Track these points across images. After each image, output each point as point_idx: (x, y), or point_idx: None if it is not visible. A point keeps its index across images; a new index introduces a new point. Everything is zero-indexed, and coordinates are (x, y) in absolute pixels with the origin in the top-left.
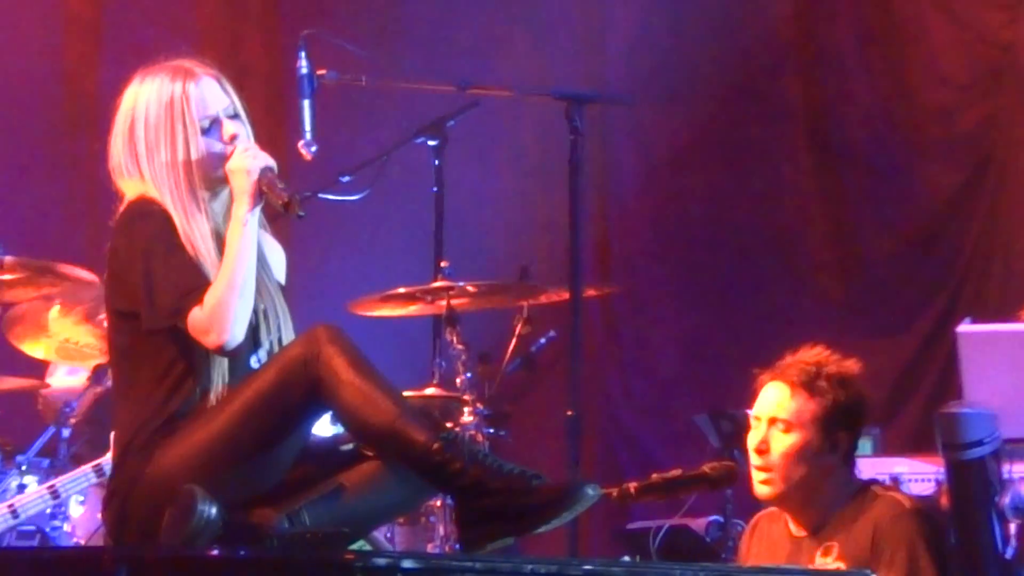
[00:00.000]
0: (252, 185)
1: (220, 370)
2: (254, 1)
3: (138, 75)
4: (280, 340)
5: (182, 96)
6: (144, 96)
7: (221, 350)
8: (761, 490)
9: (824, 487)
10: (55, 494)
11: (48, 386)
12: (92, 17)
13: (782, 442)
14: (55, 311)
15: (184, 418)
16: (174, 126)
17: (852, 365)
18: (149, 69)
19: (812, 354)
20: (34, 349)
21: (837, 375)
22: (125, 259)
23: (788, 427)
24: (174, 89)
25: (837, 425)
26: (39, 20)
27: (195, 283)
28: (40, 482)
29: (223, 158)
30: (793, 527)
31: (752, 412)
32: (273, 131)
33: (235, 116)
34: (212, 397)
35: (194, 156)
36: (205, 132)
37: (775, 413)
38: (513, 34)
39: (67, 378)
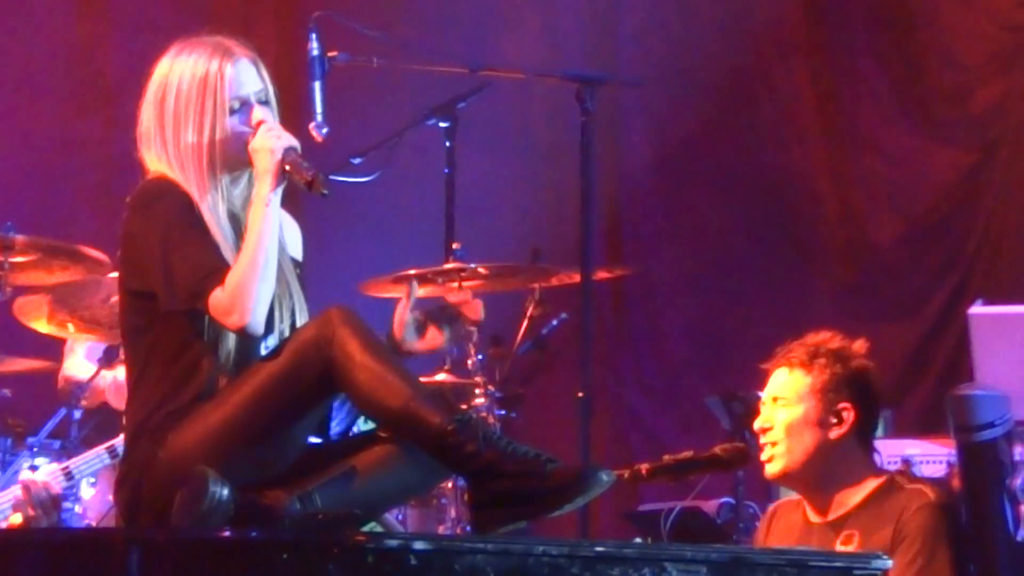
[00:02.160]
0: (275, 164)
1: (231, 353)
2: None
3: (176, 45)
4: (293, 325)
5: (217, 74)
6: (179, 68)
7: (243, 331)
8: (768, 469)
9: (834, 466)
10: (69, 475)
11: (64, 369)
12: None
13: (782, 415)
14: (63, 291)
15: (197, 400)
16: (204, 103)
17: (856, 344)
18: (188, 41)
19: (814, 336)
20: (42, 326)
21: (837, 350)
22: (141, 239)
23: (787, 402)
24: (210, 66)
25: (838, 396)
26: (51, 1)
27: (215, 264)
28: (52, 463)
29: (246, 142)
30: (811, 513)
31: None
32: (284, 113)
33: (266, 102)
34: (223, 380)
35: (219, 136)
36: (233, 113)
37: (776, 392)
38: (524, 16)
39: (85, 361)
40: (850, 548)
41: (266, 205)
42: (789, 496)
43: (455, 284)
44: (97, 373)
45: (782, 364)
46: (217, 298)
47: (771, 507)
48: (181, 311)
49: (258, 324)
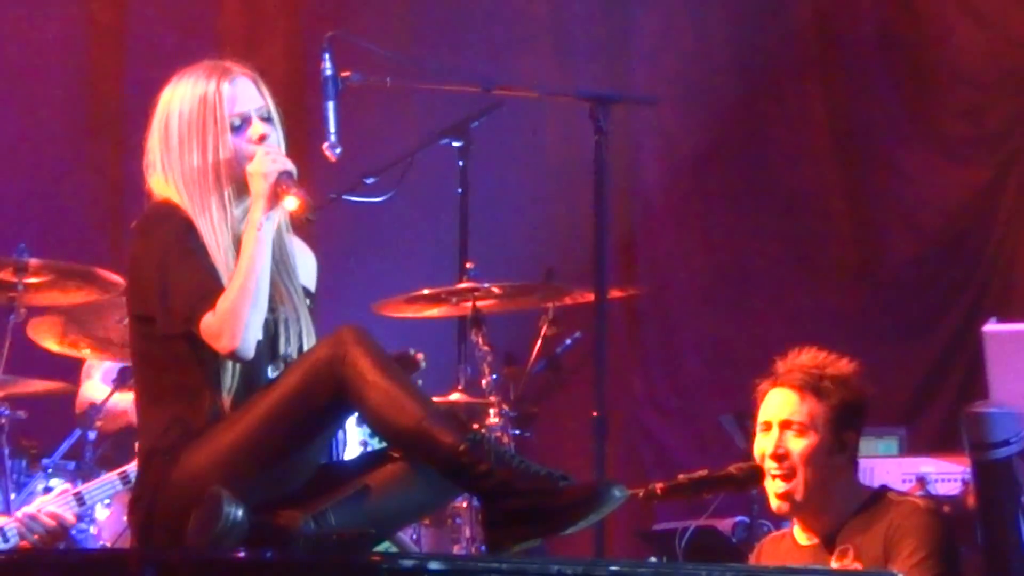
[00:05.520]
0: (268, 189)
1: (236, 376)
2: (272, 4)
3: (177, 74)
4: (300, 350)
5: (215, 93)
6: (180, 93)
7: (233, 356)
8: (782, 504)
9: (836, 490)
10: (80, 500)
11: (82, 394)
12: (114, 22)
13: (799, 444)
14: (77, 313)
15: (207, 422)
16: (205, 123)
17: (849, 364)
18: (187, 69)
19: (809, 357)
20: (57, 347)
21: (838, 376)
22: (142, 264)
23: (802, 429)
24: (208, 86)
25: (845, 425)
26: (62, 25)
27: (209, 288)
28: (64, 486)
29: (249, 157)
30: (802, 537)
31: (760, 420)
32: (295, 134)
33: (268, 119)
34: (228, 403)
35: (223, 155)
36: (236, 130)
37: (788, 416)
38: (536, 35)
39: (102, 385)
40: (846, 562)
41: (258, 229)
42: (772, 533)
43: (468, 303)
44: (112, 394)
45: (785, 386)
46: (207, 322)
47: (756, 547)
48: (184, 335)
49: (247, 349)
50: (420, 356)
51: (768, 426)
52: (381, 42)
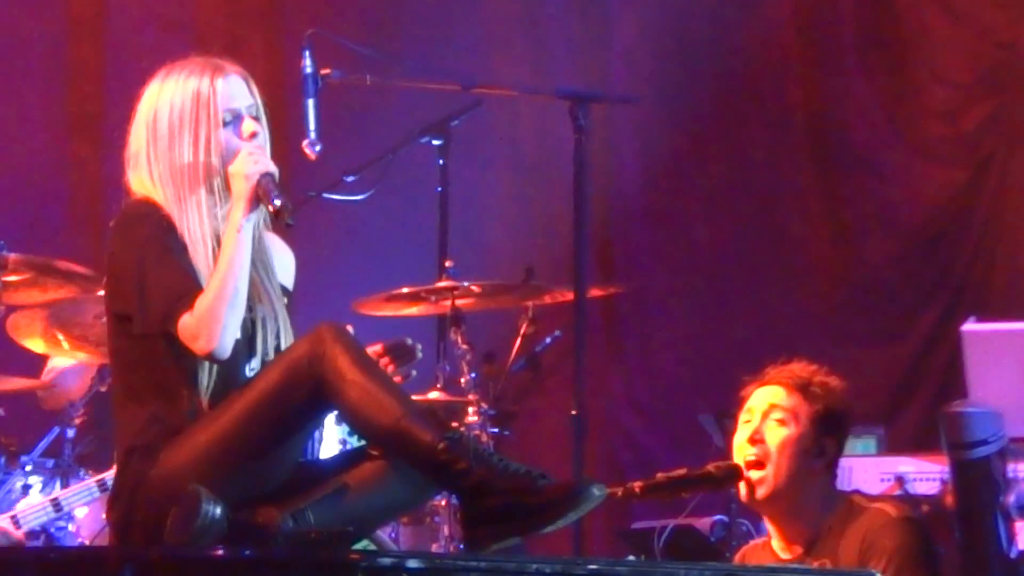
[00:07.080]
0: (249, 190)
1: (213, 375)
2: (253, 1)
3: (165, 68)
4: (277, 348)
5: (209, 88)
6: (171, 87)
7: (210, 357)
8: (758, 492)
9: (809, 495)
10: (57, 507)
11: (50, 385)
12: (94, 18)
13: (778, 433)
14: (58, 309)
15: (185, 420)
16: (197, 116)
17: (838, 379)
18: (178, 63)
19: (800, 365)
20: (36, 345)
21: (827, 383)
22: (121, 262)
23: (785, 420)
24: (202, 81)
25: (826, 430)
26: (42, 22)
27: (187, 288)
28: (45, 483)
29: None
30: (780, 550)
31: (742, 412)
32: (274, 132)
33: (257, 118)
34: (206, 402)
35: (213, 150)
36: (226, 125)
37: (773, 402)
38: (515, 34)
39: (67, 360)
40: None
41: (238, 231)
42: (754, 540)
43: (448, 302)
44: (89, 390)
45: (775, 383)
46: (185, 322)
47: (739, 553)
48: (162, 334)
49: (224, 350)
50: (418, 346)
51: (750, 412)
52: (361, 40)
